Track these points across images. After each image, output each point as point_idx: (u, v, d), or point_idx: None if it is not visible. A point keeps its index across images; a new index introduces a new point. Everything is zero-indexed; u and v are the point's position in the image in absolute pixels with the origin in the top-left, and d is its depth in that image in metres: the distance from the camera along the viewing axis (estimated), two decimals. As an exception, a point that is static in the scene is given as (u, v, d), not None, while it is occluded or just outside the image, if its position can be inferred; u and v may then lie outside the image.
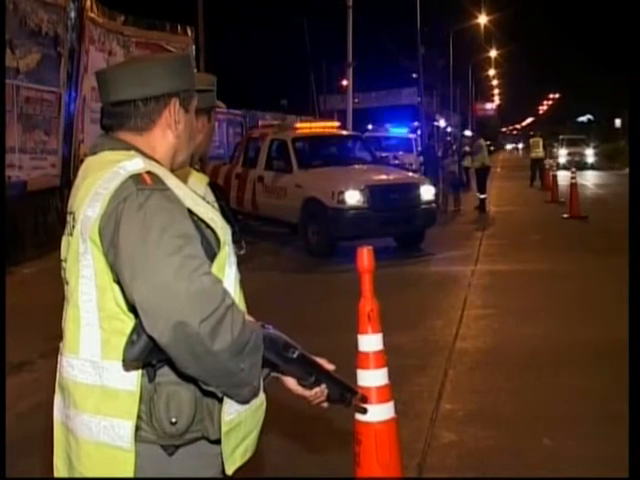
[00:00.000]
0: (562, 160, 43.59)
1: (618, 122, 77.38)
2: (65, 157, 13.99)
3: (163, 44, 17.66)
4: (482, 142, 24.38)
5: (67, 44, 13.84)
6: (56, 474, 2.33)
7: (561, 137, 50.10)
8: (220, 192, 2.90)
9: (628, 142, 9.43)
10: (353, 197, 13.64)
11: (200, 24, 23.45)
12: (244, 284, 2.44)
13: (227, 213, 2.53)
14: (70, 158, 14.04)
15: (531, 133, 37.36)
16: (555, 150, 47.59)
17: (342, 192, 13.63)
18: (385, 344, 4.11)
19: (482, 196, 22.05)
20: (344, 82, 32.41)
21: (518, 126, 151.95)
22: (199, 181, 2.77)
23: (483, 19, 58.51)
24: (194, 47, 20.27)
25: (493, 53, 77.55)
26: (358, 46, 28.29)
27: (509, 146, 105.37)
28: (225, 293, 2.03)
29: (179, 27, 19.00)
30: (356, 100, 33.77)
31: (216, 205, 2.57)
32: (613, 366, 7.08)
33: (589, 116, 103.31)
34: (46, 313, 3.15)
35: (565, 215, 18.97)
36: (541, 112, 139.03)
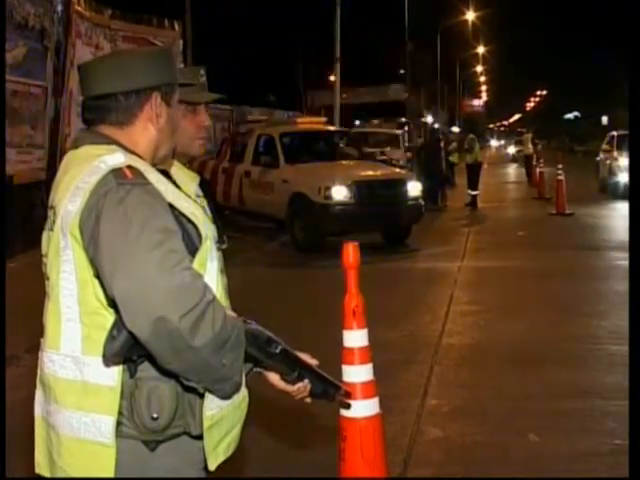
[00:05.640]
0: (623, 179, 21.90)
1: (605, 119, 77.63)
2: (51, 151, 13.93)
3: (150, 38, 17.56)
4: (474, 137, 24.25)
5: (53, 38, 13.77)
6: (37, 470, 2.32)
7: (614, 134, 26.28)
8: (206, 187, 2.86)
9: (629, 139, 8.56)
10: (340, 193, 13.63)
11: (188, 19, 23.38)
12: (230, 279, 2.43)
13: (212, 209, 2.52)
14: (56, 152, 13.97)
15: (523, 130, 35.72)
16: (601, 158, 26.52)
17: (329, 187, 13.63)
18: (371, 340, 4.11)
19: (474, 192, 21.92)
20: (332, 78, 32.38)
21: (505, 123, 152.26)
22: (191, 180, 2.73)
23: (471, 15, 58.66)
24: (181, 42, 20.19)
25: (481, 49, 77.71)
26: (346, 42, 28.24)
27: (495, 143, 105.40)
28: (206, 288, 2.02)
29: (166, 21, 18.93)
30: (344, 96, 33.70)
31: (201, 200, 2.54)
32: (598, 362, 7.12)
33: (576, 113, 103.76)
34: (32, 307, 3.13)
35: (552, 212, 19.01)
36: (528, 109, 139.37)
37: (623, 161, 22.39)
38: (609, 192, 23.26)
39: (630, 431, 3.24)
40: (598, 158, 27.19)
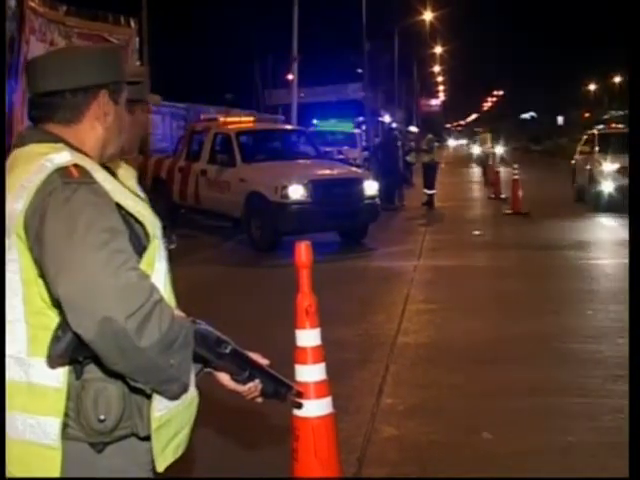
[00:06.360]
0: (607, 188, 18.96)
1: (560, 119, 78.56)
2: (5, 149, 13.77)
3: (106, 35, 17.41)
4: (432, 137, 24.52)
5: (6, 33, 13.60)
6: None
7: (594, 132, 22.46)
8: (162, 186, 2.84)
9: (629, 137, 8.05)
10: (296, 192, 13.62)
11: (144, 16, 23.21)
12: (185, 278, 2.41)
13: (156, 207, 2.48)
14: (9, 150, 13.83)
15: (479, 129, 35.92)
16: (578, 161, 22.31)
17: (285, 187, 13.61)
18: (326, 339, 4.11)
19: (430, 192, 22.00)
20: (290, 76, 32.36)
21: (463, 122, 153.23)
22: (131, 176, 2.70)
23: (429, 15, 58.85)
24: (138, 39, 20.04)
25: (438, 49, 78.03)
26: (304, 40, 28.24)
27: (453, 142, 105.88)
28: (153, 288, 2.01)
29: (122, 19, 18.77)
30: (301, 95, 33.73)
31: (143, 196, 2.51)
32: (553, 360, 7.17)
33: (532, 113, 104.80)
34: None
35: (507, 211, 19.14)
36: (485, 109, 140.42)
37: (608, 166, 19.00)
38: (589, 202, 19.81)
39: (630, 430, 3.24)
40: (574, 161, 23.01)
